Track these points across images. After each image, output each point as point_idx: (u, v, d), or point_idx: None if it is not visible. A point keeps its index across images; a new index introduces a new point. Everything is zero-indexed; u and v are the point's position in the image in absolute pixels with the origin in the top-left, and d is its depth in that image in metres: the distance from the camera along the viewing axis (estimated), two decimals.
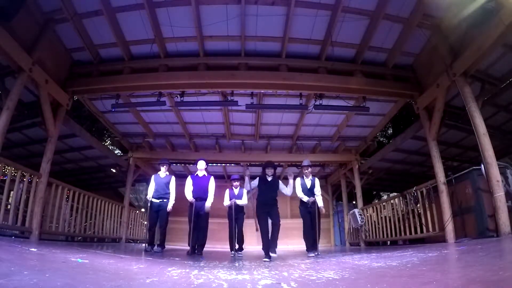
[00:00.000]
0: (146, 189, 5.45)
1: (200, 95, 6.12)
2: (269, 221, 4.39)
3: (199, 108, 6.67)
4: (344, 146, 8.42)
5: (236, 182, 5.67)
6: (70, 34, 5.02)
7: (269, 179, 4.48)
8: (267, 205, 4.34)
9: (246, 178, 4.56)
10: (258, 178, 4.52)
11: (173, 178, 5.36)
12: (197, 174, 5.24)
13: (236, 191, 5.62)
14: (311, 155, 8.49)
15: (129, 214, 8.50)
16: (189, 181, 5.13)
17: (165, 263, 3.15)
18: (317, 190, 5.03)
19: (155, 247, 5.13)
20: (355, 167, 8.68)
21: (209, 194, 5.06)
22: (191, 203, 5.00)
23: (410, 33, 4.92)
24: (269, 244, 4.12)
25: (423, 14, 4.59)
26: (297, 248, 8.22)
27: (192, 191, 5.04)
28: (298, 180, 5.21)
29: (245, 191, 5.72)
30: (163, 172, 5.39)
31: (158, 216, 5.16)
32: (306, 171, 5.17)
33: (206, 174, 5.27)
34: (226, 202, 5.56)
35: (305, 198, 4.97)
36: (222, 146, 8.54)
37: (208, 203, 4.99)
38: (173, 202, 5.20)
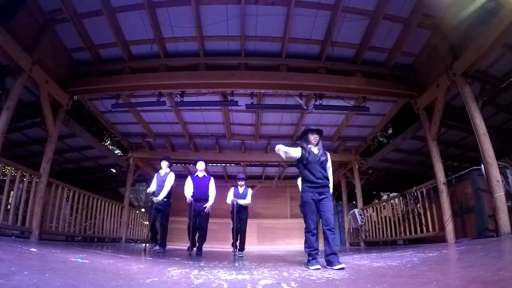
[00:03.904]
0: (146, 189, 5.47)
1: (200, 95, 6.12)
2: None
3: (199, 108, 6.67)
4: (344, 146, 8.42)
5: (241, 182, 5.67)
6: (70, 34, 5.02)
7: (316, 151, 3.14)
8: (318, 187, 2.99)
9: (279, 148, 3.08)
10: (300, 148, 3.16)
11: (171, 174, 5.35)
12: (197, 175, 5.25)
13: (241, 190, 5.62)
14: None
15: (129, 214, 8.50)
16: (188, 181, 5.15)
17: (165, 263, 3.15)
18: None
19: (157, 246, 5.18)
20: (355, 167, 8.68)
21: (210, 196, 5.08)
22: (190, 204, 5.02)
23: (410, 33, 4.91)
24: (315, 244, 2.94)
25: (423, 14, 4.59)
26: (297, 248, 8.23)
27: (192, 192, 5.06)
28: (299, 180, 5.21)
29: (249, 191, 5.72)
30: (163, 170, 5.44)
31: (159, 214, 5.21)
32: None
33: (206, 174, 5.28)
34: (229, 199, 5.58)
35: None
36: (222, 146, 8.54)
37: (209, 204, 5.00)
38: (164, 194, 5.11)
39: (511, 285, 1.41)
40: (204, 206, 5.00)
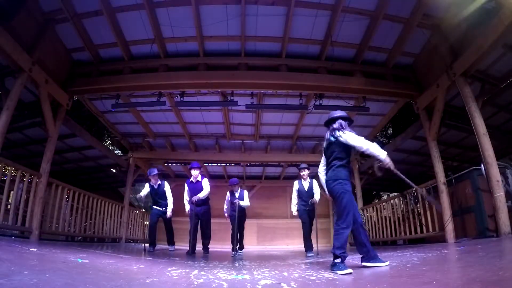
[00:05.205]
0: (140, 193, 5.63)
1: (200, 95, 6.11)
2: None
3: (199, 108, 6.67)
4: None
5: (236, 187, 5.68)
6: (70, 34, 5.02)
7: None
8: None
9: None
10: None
11: (166, 185, 5.62)
12: (191, 181, 5.36)
13: (236, 194, 5.65)
14: (311, 155, 8.48)
15: (129, 214, 8.49)
16: (186, 189, 5.37)
17: (165, 263, 3.15)
18: (316, 192, 5.04)
19: (169, 247, 5.62)
20: (355, 167, 8.67)
21: (203, 190, 5.18)
22: (191, 209, 5.20)
23: (410, 33, 4.91)
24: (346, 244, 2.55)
25: (423, 14, 4.59)
26: (297, 248, 8.22)
27: (189, 197, 5.25)
28: (296, 183, 5.20)
29: (245, 192, 5.75)
30: (154, 182, 5.59)
31: (162, 221, 5.58)
32: (303, 173, 5.18)
33: (200, 178, 5.36)
34: (227, 206, 5.68)
35: (294, 211, 5.11)
36: (222, 146, 8.53)
37: (198, 196, 5.10)
38: (172, 207, 5.54)
39: (511, 285, 1.41)
40: (198, 198, 5.14)
